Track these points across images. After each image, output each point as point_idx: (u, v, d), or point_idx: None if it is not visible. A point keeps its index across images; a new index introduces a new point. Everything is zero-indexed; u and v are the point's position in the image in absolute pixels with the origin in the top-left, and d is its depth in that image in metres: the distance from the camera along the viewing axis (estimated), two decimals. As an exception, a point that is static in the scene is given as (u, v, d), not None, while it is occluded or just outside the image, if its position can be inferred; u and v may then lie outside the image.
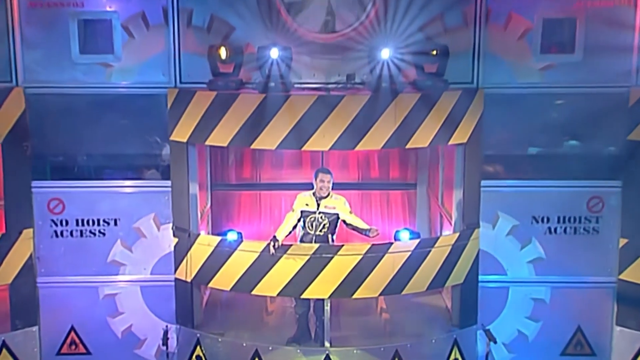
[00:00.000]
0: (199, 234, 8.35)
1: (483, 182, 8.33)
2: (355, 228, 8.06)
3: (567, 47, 8.09)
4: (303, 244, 7.96)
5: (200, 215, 8.65)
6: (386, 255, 7.91)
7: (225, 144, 7.96)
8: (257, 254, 7.91)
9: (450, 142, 8.08)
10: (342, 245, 7.91)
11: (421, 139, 7.90)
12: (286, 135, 7.75)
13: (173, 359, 8.21)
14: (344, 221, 8.07)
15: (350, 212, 8.10)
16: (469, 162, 8.22)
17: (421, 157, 10.02)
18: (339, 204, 8.07)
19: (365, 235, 7.99)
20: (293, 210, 8.08)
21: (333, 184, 8.12)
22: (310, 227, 8.02)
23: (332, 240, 8.10)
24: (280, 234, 7.91)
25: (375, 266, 7.90)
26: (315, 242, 7.98)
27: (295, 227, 8.09)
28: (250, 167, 10.17)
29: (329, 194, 8.06)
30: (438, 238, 8.36)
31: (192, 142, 8.13)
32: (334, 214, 8.03)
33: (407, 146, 7.93)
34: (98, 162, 8.45)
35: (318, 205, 8.03)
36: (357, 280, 7.88)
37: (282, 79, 7.76)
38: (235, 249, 8.02)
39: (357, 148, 7.84)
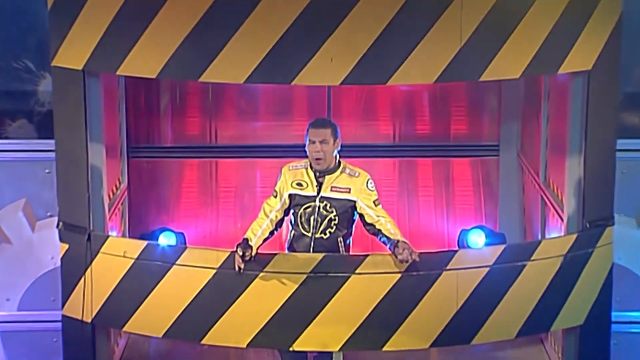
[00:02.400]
0: (107, 236, 8.41)
1: (620, 144, 8.34)
2: (377, 232, 8.01)
3: None
4: (294, 254, 8.06)
5: (109, 203, 8.69)
6: (444, 273, 7.98)
7: (153, 75, 7.95)
8: (213, 272, 7.98)
9: (562, 71, 8.07)
10: (366, 256, 7.93)
11: (507, 65, 7.89)
12: (263, 59, 7.75)
13: None
14: (361, 216, 8.05)
15: (376, 203, 8.05)
16: (595, 107, 8.21)
17: (507, 99, 10.22)
18: (356, 184, 8.04)
19: (392, 251, 7.87)
20: (276, 195, 8.14)
21: (343, 146, 8.09)
22: (306, 225, 8.07)
23: (345, 247, 8.14)
24: (255, 236, 7.98)
25: (425, 294, 7.96)
26: (315, 249, 8.04)
27: (280, 224, 8.16)
28: (200, 117, 10.36)
29: (340, 165, 8.04)
30: (538, 244, 8.41)
31: (94, 71, 8.13)
32: (349, 200, 8.02)
33: (482, 78, 7.92)
34: None
35: (319, 185, 8.02)
36: (391, 318, 7.96)
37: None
38: (173, 264, 8.09)
39: (391, 82, 7.82)
